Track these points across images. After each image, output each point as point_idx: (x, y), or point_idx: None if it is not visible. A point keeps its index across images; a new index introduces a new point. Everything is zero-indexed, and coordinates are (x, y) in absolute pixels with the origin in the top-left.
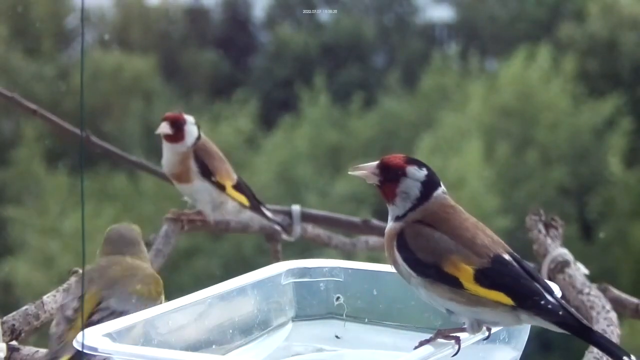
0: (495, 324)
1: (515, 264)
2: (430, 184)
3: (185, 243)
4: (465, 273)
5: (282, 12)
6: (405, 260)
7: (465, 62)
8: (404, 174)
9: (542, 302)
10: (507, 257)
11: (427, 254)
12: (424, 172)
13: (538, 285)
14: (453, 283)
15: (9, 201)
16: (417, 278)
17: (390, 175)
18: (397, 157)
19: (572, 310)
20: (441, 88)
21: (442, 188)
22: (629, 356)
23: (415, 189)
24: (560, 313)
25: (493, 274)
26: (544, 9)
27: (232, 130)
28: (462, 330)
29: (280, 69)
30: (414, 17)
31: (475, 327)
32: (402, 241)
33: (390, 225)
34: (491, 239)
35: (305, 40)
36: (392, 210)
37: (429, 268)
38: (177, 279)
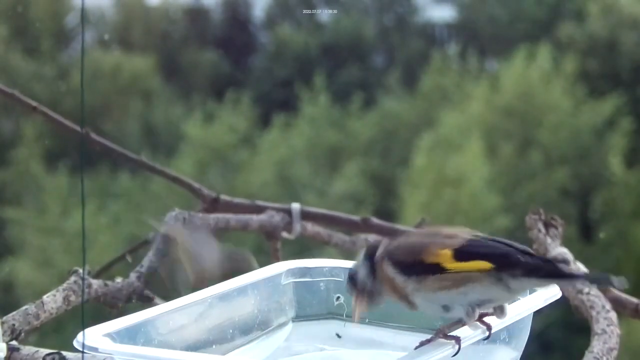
0: (489, 301)
1: (489, 239)
2: (370, 255)
3: None
4: (445, 256)
5: (282, 12)
6: (396, 269)
7: (465, 62)
8: (354, 282)
9: (519, 257)
10: (477, 236)
11: (409, 256)
12: (361, 256)
13: (514, 249)
14: (437, 271)
15: (9, 201)
16: (408, 281)
17: (354, 288)
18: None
19: (552, 259)
20: (441, 88)
21: (384, 243)
22: (613, 279)
23: (362, 270)
24: (542, 263)
25: (469, 249)
26: (543, 8)
27: (231, 130)
28: (460, 322)
29: (280, 69)
30: (414, 17)
31: (470, 313)
32: (388, 257)
33: (382, 269)
34: (460, 230)
35: (305, 40)
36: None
37: (414, 266)
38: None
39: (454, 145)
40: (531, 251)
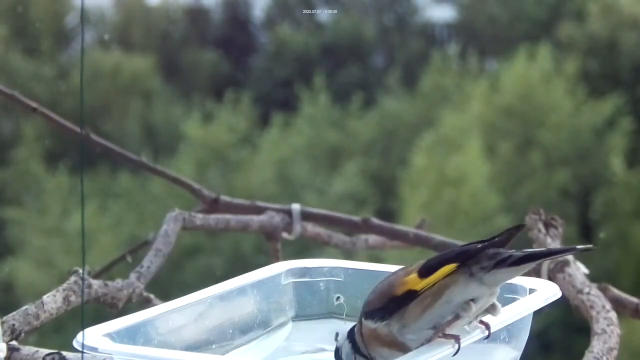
0: (474, 301)
1: None
2: (352, 337)
3: (188, 241)
4: (412, 280)
5: (281, 12)
6: (374, 319)
7: (465, 62)
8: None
9: (479, 246)
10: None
11: (382, 301)
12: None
13: (473, 243)
14: (411, 297)
15: (9, 201)
16: (391, 323)
17: None
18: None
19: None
20: (441, 88)
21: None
22: (576, 247)
23: (345, 346)
24: (496, 240)
25: (430, 262)
26: (544, 8)
27: (231, 130)
28: (457, 317)
29: (280, 69)
30: (414, 17)
31: (466, 308)
32: (366, 316)
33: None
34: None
35: (305, 40)
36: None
37: (389, 304)
38: (179, 278)
39: (454, 145)
40: (493, 242)
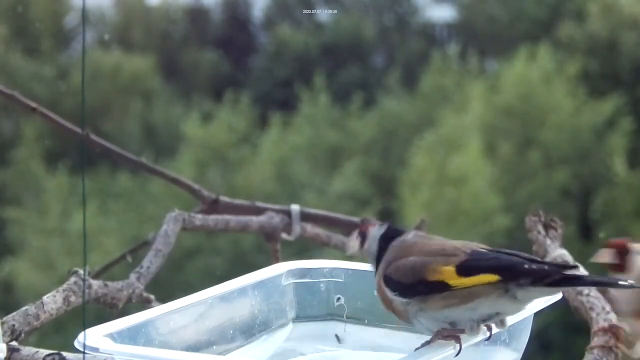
0: (497, 315)
1: (492, 251)
2: (387, 236)
3: (189, 242)
4: (448, 273)
5: (281, 12)
6: (395, 291)
7: (465, 62)
8: (365, 237)
9: (526, 266)
10: (481, 249)
11: (410, 277)
12: (383, 229)
13: (518, 257)
14: (441, 288)
15: (9, 201)
16: (410, 303)
17: (361, 242)
18: (366, 225)
19: (556, 262)
20: (441, 88)
21: (403, 238)
22: (620, 280)
23: (373, 245)
24: (547, 267)
25: (472, 262)
26: (544, 8)
27: (231, 130)
28: (461, 331)
29: (280, 69)
30: (414, 17)
31: (475, 328)
32: (387, 279)
33: (376, 279)
34: (462, 243)
35: (305, 40)
36: (371, 268)
37: (416, 286)
38: (181, 278)
39: (454, 145)
40: (537, 259)
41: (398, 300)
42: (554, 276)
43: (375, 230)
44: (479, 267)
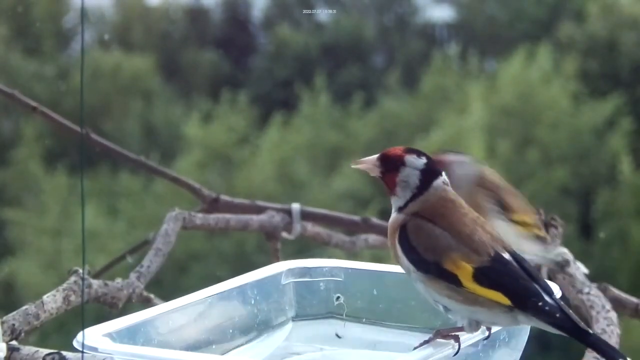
0: (492, 324)
1: (515, 263)
2: (429, 173)
3: (194, 245)
4: (465, 271)
5: (281, 12)
6: (406, 254)
7: (465, 62)
8: (402, 164)
9: (540, 304)
10: (507, 255)
11: (427, 250)
12: (423, 160)
13: (537, 286)
14: (452, 280)
15: (9, 202)
16: (417, 273)
17: (390, 166)
18: (396, 149)
19: (571, 312)
20: (441, 88)
21: (443, 178)
22: (624, 358)
23: (414, 178)
24: (558, 315)
25: (492, 273)
26: (543, 9)
27: (231, 130)
28: (460, 329)
29: (280, 69)
30: (414, 17)
31: (474, 326)
32: (403, 235)
33: (392, 217)
34: (491, 236)
35: (305, 40)
36: (394, 202)
37: (429, 264)
38: (185, 281)
39: (456, 146)
40: (553, 291)
41: (406, 262)
42: (559, 320)
43: (415, 160)
44: (495, 283)
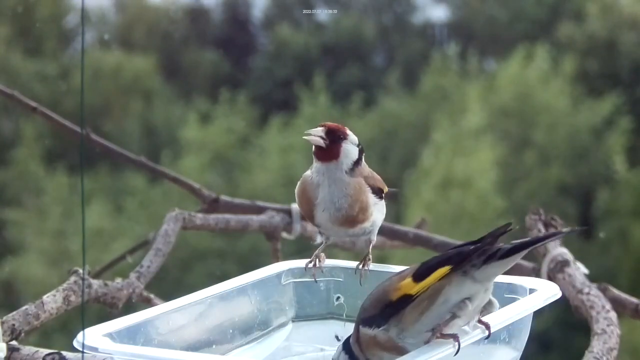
0: (470, 300)
1: None
2: (346, 342)
3: (197, 243)
4: (407, 285)
5: (281, 12)
6: (371, 326)
7: (465, 62)
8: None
9: (472, 247)
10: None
11: (377, 307)
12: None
13: (464, 245)
14: (407, 301)
15: (9, 202)
16: (389, 329)
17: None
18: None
19: (495, 233)
20: (441, 88)
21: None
22: (560, 232)
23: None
24: (489, 241)
25: (424, 266)
26: (543, 9)
27: (231, 130)
28: (454, 317)
29: (280, 69)
30: (413, 17)
31: (463, 307)
32: (363, 323)
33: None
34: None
35: (305, 40)
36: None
37: (385, 310)
38: (189, 280)
39: (459, 147)
40: (484, 239)
41: (379, 332)
42: (500, 250)
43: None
44: (431, 267)
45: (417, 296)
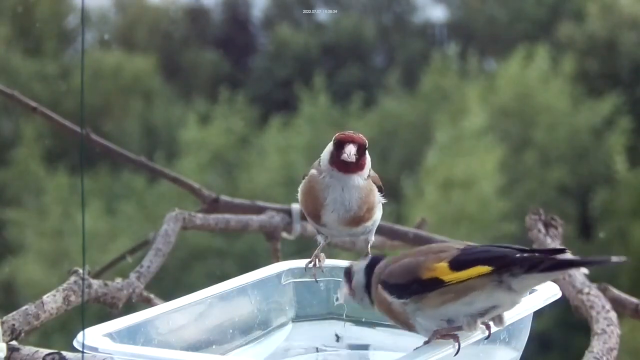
0: (494, 309)
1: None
2: (371, 265)
3: (197, 243)
4: (441, 269)
5: (281, 12)
6: (392, 293)
7: (464, 62)
8: (350, 275)
9: (518, 255)
10: (472, 244)
11: (405, 277)
12: (366, 261)
13: (508, 249)
14: (436, 285)
15: (9, 202)
16: (408, 303)
17: (349, 280)
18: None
19: (546, 248)
20: (441, 88)
21: (388, 258)
22: (609, 259)
23: (360, 276)
24: (538, 254)
25: (464, 257)
26: (543, 9)
27: (231, 131)
28: (459, 329)
29: (280, 69)
30: (413, 17)
31: (472, 324)
32: (383, 284)
33: (374, 296)
34: (449, 244)
35: (305, 40)
36: (361, 302)
37: (412, 285)
38: (188, 279)
39: (461, 147)
40: (527, 248)
41: (396, 302)
42: (546, 262)
43: (359, 264)
44: (471, 260)
45: (447, 284)
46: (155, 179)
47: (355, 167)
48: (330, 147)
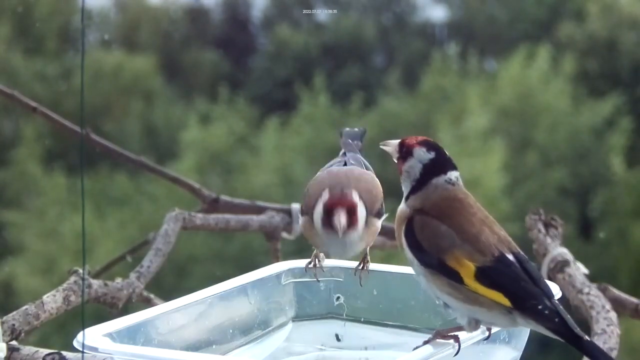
0: (491, 324)
1: (518, 265)
2: (432, 169)
3: (195, 246)
4: (467, 269)
5: (281, 12)
6: (410, 247)
7: (465, 62)
8: (410, 154)
9: (540, 307)
10: (510, 257)
11: (431, 246)
12: (431, 155)
13: (538, 289)
14: (454, 277)
15: (8, 202)
16: (419, 267)
17: (403, 153)
18: (414, 138)
19: (568, 317)
20: (441, 88)
21: (448, 177)
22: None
23: (416, 170)
24: (556, 320)
25: (494, 274)
26: (543, 9)
27: (231, 131)
28: (460, 329)
29: (280, 69)
30: (413, 17)
31: (473, 325)
32: (409, 228)
33: (400, 206)
34: (497, 237)
35: (305, 40)
36: (403, 189)
37: (432, 259)
38: (186, 283)
39: (462, 147)
40: (553, 295)
41: (410, 254)
42: (558, 327)
43: (422, 153)
44: (497, 283)
45: (462, 285)
46: (148, 181)
47: (348, 228)
48: (320, 210)
